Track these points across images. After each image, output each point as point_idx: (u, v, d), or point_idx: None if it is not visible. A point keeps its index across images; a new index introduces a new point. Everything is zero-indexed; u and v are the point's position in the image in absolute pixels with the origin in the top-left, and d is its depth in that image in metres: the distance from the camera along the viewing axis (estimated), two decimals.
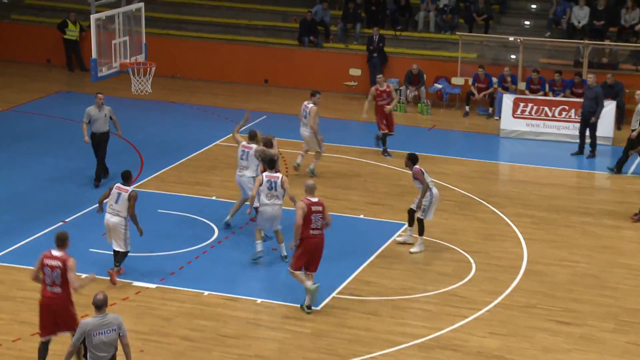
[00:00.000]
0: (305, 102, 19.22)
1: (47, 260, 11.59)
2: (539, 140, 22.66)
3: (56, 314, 11.54)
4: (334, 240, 15.98)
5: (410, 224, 16.09)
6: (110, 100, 24.91)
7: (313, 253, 13.69)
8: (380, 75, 20.81)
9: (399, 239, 16.32)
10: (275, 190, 14.93)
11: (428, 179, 15.74)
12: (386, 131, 20.74)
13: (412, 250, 15.94)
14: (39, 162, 20.10)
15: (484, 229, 17.20)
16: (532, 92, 23.97)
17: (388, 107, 20.52)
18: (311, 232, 13.60)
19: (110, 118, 18.73)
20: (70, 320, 11.52)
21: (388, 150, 20.85)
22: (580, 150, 21.47)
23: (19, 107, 24.31)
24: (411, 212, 16.00)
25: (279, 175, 15.04)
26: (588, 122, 21.18)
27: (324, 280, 14.48)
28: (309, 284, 13.58)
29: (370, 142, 21.29)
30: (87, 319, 10.62)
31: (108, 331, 10.47)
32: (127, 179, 14.50)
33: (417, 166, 15.78)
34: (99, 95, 18.57)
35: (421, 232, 15.92)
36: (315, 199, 13.67)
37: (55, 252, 11.62)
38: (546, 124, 22.74)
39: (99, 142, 18.61)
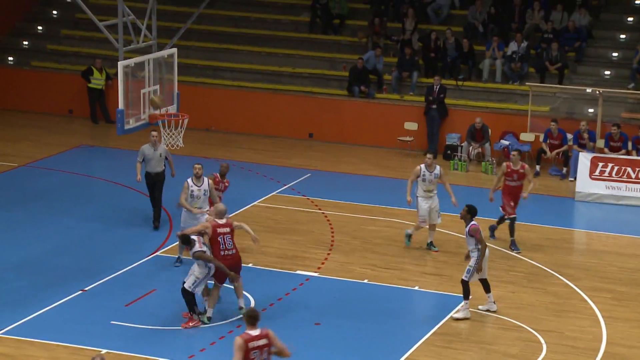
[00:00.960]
0: (423, 165, 19.12)
1: (253, 344, 11.62)
2: (620, 205, 22.50)
3: None
4: (385, 314, 15.98)
5: (487, 290, 16.40)
6: (136, 155, 25.38)
7: None
8: (515, 152, 19.80)
9: (481, 307, 16.51)
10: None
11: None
12: (513, 215, 19.58)
13: (455, 315, 16.09)
14: (56, 223, 20.43)
15: (557, 304, 17.06)
16: (613, 150, 23.90)
17: (525, 195, 19.65)
18: None
19: (166, 158, 19.64)
20: None
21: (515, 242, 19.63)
22: None
23: (36, 162, 24.79)
24: (466, 284, 16.21)
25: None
26: None
27: (375, 358, 14.43)
28: None
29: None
30: None
31: None
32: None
33: (475, 222, 15.97)
34: (153, 133, 19.14)
35: (466, 295, 16.13)
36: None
37: (254, 332, 11.66)
38: (628, 187, 22.61)
39: (154, 182, 19.71)
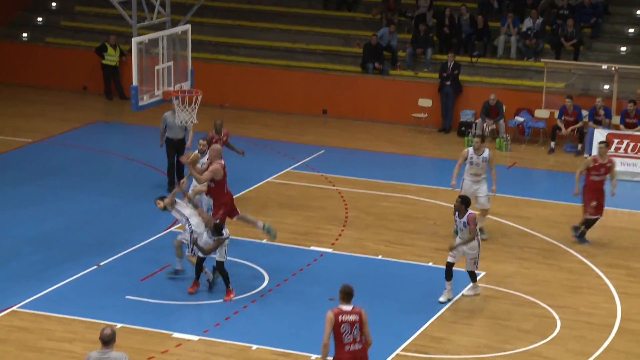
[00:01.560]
0: (471, 149, 18.51)
1: (343, 317, 11.73)
2: (635, 182, 22.45)
3: None
4: (399, 290, 16.02)
5: (449, 278, 16.00)
6: (150, 132, 25.44)
7: None
8: (603, 144, 18.75)
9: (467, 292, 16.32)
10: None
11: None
12: (596, 216, 18.64)
13: (465, 292, 16.14)
14: (72, 198, 20.52)
15: (571, 280, 17.06)
16: (628, 127, 23.81)
17: (613, 190, 18.69)
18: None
19: (186, 128, 20.11)
20: None
21: (585, 236, 18.80)
22: None
23: (52, 138, 24.87)
24: (449, 267, 15.98)
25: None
26: None
27: (387, 335, 14.50)
28: None
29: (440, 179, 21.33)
30: (92, 352, 10.86)
31: None
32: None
33: (472, 212, 15.89)
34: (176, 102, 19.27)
35: (474, 279, 16.25)
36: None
37: (346, 307, 11.78)
38: None
39: (176, 149, 20.50)
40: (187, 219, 16.16)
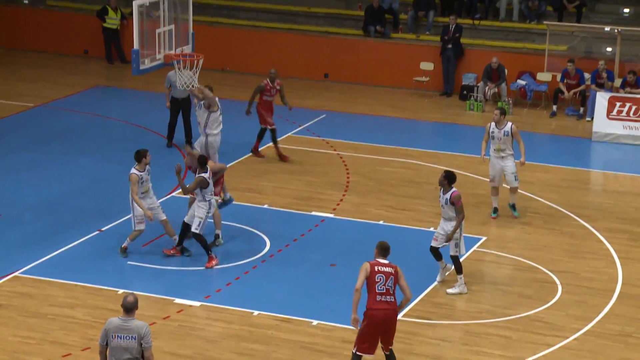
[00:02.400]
0: (493, 123, 17.46)
1: (379, 268, 12.04)
2: (637, 145, 22.35)
3: (388, 325, 12.04)
4: (399, 255, 15.95)
5: (439, 258, 15.33)
6: (151, 96, 25.36)
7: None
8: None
9: (439, 278, 15.43)
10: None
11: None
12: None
13: (449, 291, 15.05)
14: (74, 164, 20.46)
15: (573, 245, 17.03)
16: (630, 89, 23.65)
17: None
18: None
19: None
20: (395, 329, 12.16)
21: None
22: None
23: (53, 102, 24.78)
24: (435, 250, 15.15)
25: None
26: None
27: None
28: None
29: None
30: (113, 318, 10.76)
31: (127, 337, 10.57)
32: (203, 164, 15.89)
33: (456, 189, 14.89)
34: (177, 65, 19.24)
35: (459, 270, 15.05)
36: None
37: (382, 261, 12.12)
38: None
39: (181, 107, 21.14)
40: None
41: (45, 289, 14.98)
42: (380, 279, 12.00)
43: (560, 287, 15.40)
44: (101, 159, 20.75)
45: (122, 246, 16.11)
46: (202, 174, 15.71)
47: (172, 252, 16.07)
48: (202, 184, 15.69)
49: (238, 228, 17.13)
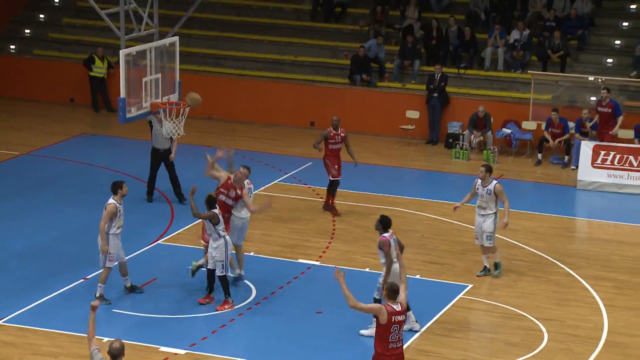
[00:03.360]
0: (479, 180, 17.05)
1: (395, 318, 11.82)
2: (622, 194, 22.49)
3: None
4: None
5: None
6: (139, 144, 25.41)
7: None
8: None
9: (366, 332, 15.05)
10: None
11: (394, 252, 14.79)
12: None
13: (362, 332, 14.99)
14: (60, 211, 20.44)
15: (558, 293, 17.06)
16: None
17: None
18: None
19: (171, 138, 20.17)
20: None
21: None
22: None
23: (39, 150, 24.80)
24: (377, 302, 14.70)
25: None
26: None
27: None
28: None
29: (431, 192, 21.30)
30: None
31: None
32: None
33: (386, 234, 14.77)
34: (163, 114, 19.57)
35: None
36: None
37: (396, 307, 11.88)
38: (630, 175, 22.58)
39: (162, 158, 20.72)
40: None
41: (29, 338, 14.90)
42: (395, 330, 11.86)
43: (546, 335, 15.42)
44: (87, 206, 20.72)
45: (97, 295, 15.99)
46: (214, 210, 15.69)
47: (206, 300, 16.01)
48: (213, 219, 15.64)
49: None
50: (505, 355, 14.71)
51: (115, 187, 16.08)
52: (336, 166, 20.22)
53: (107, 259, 15.92)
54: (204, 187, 16.89)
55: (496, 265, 17.56)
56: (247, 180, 16.71)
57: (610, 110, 23.78)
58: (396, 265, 14.67)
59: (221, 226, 15.74)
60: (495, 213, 17.11)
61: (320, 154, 20.59)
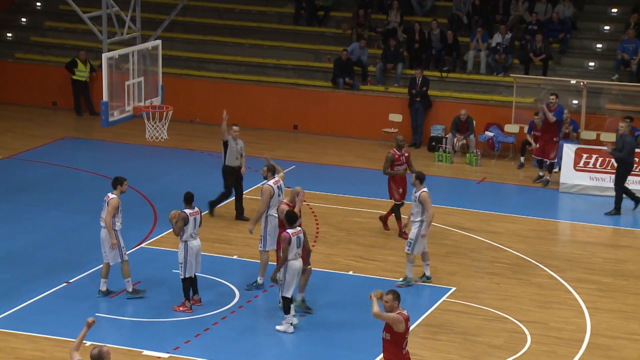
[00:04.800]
0: (415, 193, 17.01)
1: (409, 324, 11.98)
2: (604, 196, 22.54)
3: None
4: (370, 305, 15.95)
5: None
6: (122, 147, 25.37)
7: None
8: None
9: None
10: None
11: (294, 250, 14.98)
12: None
13: (277, 327, 15.24)
14: (42, 215, 20.36)
15: (541, 295, 17.11)
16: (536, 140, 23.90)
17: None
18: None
19: (241, 155, 20.02)
20: None
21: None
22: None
23: (21, 154, 24.70)
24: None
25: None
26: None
27: (359, 350, 14.46)
28: None
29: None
30: None
31: None
32: (189, 201, 15.62)
33: (289, 231, 14.96)
34: (235, 128, 19.61)
35: (286, 310, 15.24)
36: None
37: (405, 312, 12.02)
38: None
39: (235, 176, 20.09)
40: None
41: (11, 342, 14.83)
42: (407, 335, 12.07)
43: (529, 337, 15.45)
44: (69, 210, 20.67)
45: (102, 289, 16.18)
46: (185, 210, 15.65)
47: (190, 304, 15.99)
48: (186, 221, 15.62)
49: (207, 279, 17.07)
50: (489, 358, 14.74)
51: (116, 182, 16.18)
52: (400, 190, 19.23)
53: (122, 253, 16.07)
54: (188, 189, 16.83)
55: (405, 278, 17.13)
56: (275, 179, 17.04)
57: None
58: (294, 263, 15.00)
59: (189, 228, 15.63)
60: (421, 221, 16.89)
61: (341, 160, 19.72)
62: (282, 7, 30.44)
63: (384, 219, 19.70)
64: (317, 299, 16.51)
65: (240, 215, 20.20)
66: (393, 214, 19.55)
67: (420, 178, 17.13)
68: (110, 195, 16.08)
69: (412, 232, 17.01)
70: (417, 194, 17.01)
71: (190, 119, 27.75)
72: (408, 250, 17.03)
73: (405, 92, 26.73)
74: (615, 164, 21.50)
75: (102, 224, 16.10)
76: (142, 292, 16.39)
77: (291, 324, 15.24)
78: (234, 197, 20.34)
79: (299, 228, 15.27)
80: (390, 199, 19.43)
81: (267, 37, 29.40)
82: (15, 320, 15.51)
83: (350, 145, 26.34)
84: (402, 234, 19.02)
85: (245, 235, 19.23)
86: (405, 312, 11.97)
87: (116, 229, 16.04)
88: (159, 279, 17.11)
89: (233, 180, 20.02)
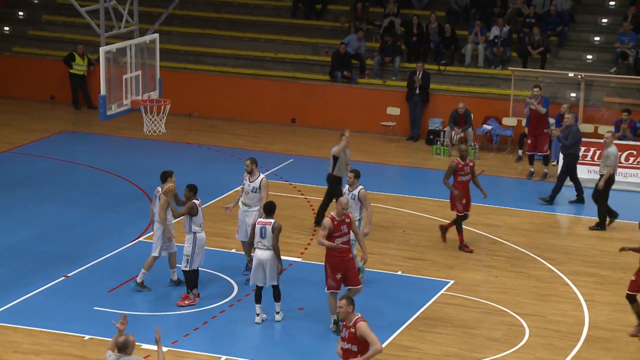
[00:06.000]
0: (348, 184, 16.85)
1: None
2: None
3: None
4: (368, 299, 15.96)
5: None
6: (120, 141, 25.35)
7: None
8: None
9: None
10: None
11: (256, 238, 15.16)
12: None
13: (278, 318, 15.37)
14: (39, 209, 20.34)
15: (539, 288, 17.11)
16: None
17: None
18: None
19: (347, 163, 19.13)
20: None
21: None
22: None
23: (19, 148, 24.67)
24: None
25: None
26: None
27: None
28: None
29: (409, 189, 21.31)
30: (110, 352, 11.09)
31: None
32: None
33: (261, 220, 15.24)
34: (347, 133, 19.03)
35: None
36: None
37: None
38: None
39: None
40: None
41: (9, 336, 14.82)
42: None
43: (527, 330, 15.45)
44: (67, 204, 20.65)
45: (138, 281, 16.29)
46: (195, 200, 15.68)
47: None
48: (192, 211, 15.65)
49: (206, 273, 17.05)
50: (487, 351, 14.74)
51: (165, 176, 16.22)
52: (464, 201, 18.40)
53: (170, 244, 16.26)
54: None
55: (359, 270, 16.67)
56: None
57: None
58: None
59: (199, 220, 15.69)
60: (359, 220, 16.53)
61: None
62: (280, 1, 30.41)
63: (443, 229, 18.87)
64: (315, 293, 16.50)
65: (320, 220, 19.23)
66: (454, 226, 18.69)
67: (358, 176, 16.69)
68: (160, 190, 16.15)
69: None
70: (356, 192, 16.51)
71: (188, 112, 27.72)
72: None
73: (403, 85, 26.69)
74: (562, 155, 21.51)
75: (156, 218, 16.22)
76: (147, 288, 16.39)
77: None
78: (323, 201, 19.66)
79: (271, 220, 15.22)
80: (452, 210, 18.51)
81: (265, 31, 29.37)
82: (13, 314, 15.50)
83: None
84: (464, 247, 18.46)
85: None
86: (361, 316, 11.62)
87: (169, 222, 16.18)
88: (158, 272, 17.07)
89: (340, 189, 18.83)
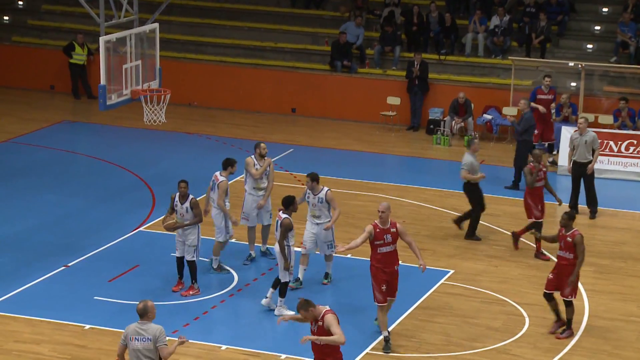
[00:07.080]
0: (309, 189, 16.64)
1: None
2: (602, 179, 22.48)
3: None
4: (369, 289, 15.98)
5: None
6: (120, 131, 25.34)
7: None
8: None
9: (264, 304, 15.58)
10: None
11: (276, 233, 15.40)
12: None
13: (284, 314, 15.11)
14: (39, 199, 20.35)
15: (539, 278, 17.09)
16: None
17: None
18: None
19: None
20: None
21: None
22: None
23: (19, 138, 24.66)
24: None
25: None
26: None
27: (357, 334, 14.48)
28: None
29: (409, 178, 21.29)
30: (131, 324, 11.38)
31: (143, 339, 11.21)
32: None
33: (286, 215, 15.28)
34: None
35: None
36: None
37: None
38: (611, 160, 22.65)
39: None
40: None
41: (10, 325, 14.84)
42: None
43: (527, 320, 15.47)
44: (67, 194, 20.65)
45: (214, 267, 16.59)
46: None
47: (179, 287, 16.11)
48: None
49: (206, 262, 17.07)
50: (487, 340, 14.76)
51: (227, 164, 16.52)
52: (539, 206, 18.09)
53: (216, 233, 16.50)
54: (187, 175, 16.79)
55: (326, 275, 16.82)
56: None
57: (551, 97, 23.84)
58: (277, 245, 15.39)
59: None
60: (328, 221, 16.45)
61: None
62: None
63: (516, 236, 18.42)
64: (316, 282, 16.52)
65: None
66: (528, 232, 18.28)
67: (316, 179, 16.54)
68: (220, 178, 16.47)
69: (327, 233, 16.40)
70: (323, 194, 16.35)
71: (188, 102, 27.71)
72: (332, 251, 16.57)
73: (403, 74, 26.67)
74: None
75: (214, 204, 16.51)
76: (226, 270, 16.76)
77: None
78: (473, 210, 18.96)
79: (284, 215, 15.31)
80: (529, 218, 18.14)
81: (265, 20, 29.33)
82: (13, 303, 15.53)
83: (348, 128, 26.31)
84: (540, 255, 18.05)
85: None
86: (329, 309, 11.78)
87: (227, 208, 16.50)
88: (157, 262, 17.11)
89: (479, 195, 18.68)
